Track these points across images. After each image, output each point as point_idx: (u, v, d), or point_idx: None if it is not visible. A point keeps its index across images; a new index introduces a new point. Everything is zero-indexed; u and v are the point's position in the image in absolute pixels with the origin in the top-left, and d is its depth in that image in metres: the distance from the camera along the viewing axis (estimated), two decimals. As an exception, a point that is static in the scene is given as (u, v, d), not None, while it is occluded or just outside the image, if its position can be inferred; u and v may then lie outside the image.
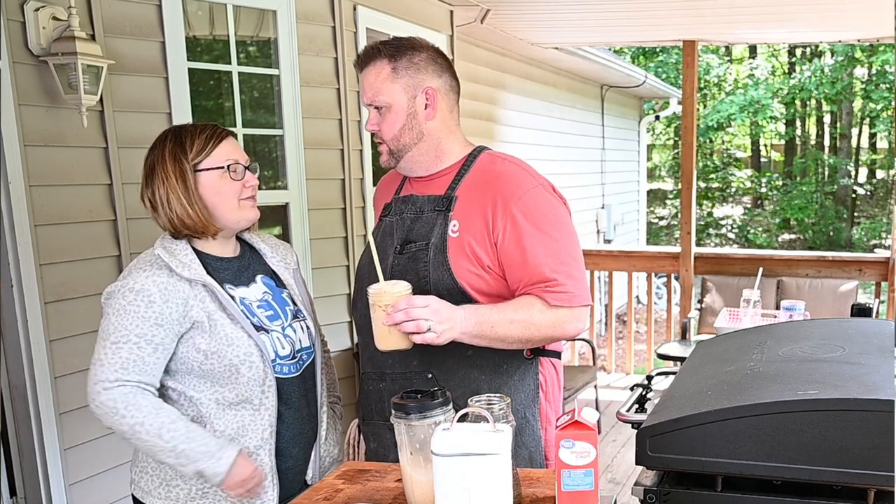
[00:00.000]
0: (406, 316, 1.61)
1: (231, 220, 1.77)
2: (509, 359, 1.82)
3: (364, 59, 1.84)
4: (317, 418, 1.88)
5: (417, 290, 1.79)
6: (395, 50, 1.81)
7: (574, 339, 6.43)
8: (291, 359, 1.81)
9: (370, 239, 1.81)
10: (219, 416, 1.72)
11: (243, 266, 1.84)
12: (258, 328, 1.75)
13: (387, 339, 1.67)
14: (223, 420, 1.72)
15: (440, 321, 1.63)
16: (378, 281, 1.70)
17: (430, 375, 1.81)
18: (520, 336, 1.74)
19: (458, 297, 1.76)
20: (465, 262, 1.78)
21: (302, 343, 1.85)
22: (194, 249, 1.76)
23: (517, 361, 1.84)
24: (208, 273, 1.73)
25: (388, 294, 1.64)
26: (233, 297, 1.76)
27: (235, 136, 1.82)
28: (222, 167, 1.74)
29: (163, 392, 1.74)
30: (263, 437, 1.74)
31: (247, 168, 1.78)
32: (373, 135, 1.88)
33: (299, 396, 1.83)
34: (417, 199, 1.89)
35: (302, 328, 1.86)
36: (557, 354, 1.93)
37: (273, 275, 1.89)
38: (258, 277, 1.85)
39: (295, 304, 1.88)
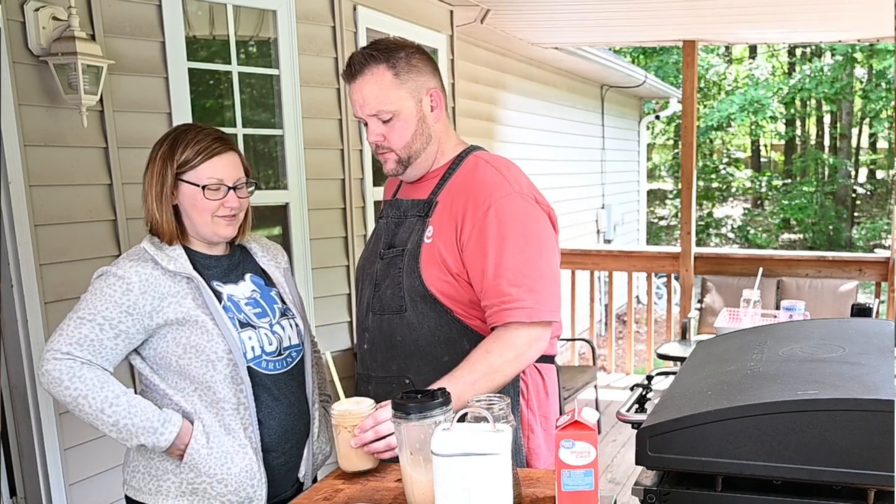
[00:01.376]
0: (375, 435, 1.56)
1: (204, 233, 1.78)
2: None
3: (357, 69, 1.73)
4: (308, 415, 1.89)
5: (394, 297, 1.78)
6: (389, 54, 1.72)
7: (573, 340, 6.43)
8: (278, 355, 1.82)
9: (327, 356, 1.75)
10: (203, 414, 1.72)
11: (233, 264, 1.85)
12: (244, 324, 1.77)
13: (353, 461, 1.62)
14: (207, 417, 1.72)
15: None
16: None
17: (407, 381, 1.80)
18: (490, 387, 1.65)
19: (431, 303, 1.75)
20: (434, 269, 1.74)
21: (291, 340, 1.86)
22: (183, 246, 1.78)
23: None
24: (196, 269, 1.74)
25: (353, 415, 1.59)
26: (220, 294, 1.77)
27: (237, 150, 1.79)
28: (199, 186, 1.73)
29: (154, 396, 1.76)
30: (247, 435, 1.75)
31: (232, 188, 1.75)
32: (377, 146, 1.79)
33: (289, 392, 1.84)
34: (402, 204, 1.87)
35: (290, 326, 1.87)
36: (548, 359, 1.87)
37: (262, 273, 1.90)
38: (247, 275, 1.87)
39: (284, 302, 1.89)
